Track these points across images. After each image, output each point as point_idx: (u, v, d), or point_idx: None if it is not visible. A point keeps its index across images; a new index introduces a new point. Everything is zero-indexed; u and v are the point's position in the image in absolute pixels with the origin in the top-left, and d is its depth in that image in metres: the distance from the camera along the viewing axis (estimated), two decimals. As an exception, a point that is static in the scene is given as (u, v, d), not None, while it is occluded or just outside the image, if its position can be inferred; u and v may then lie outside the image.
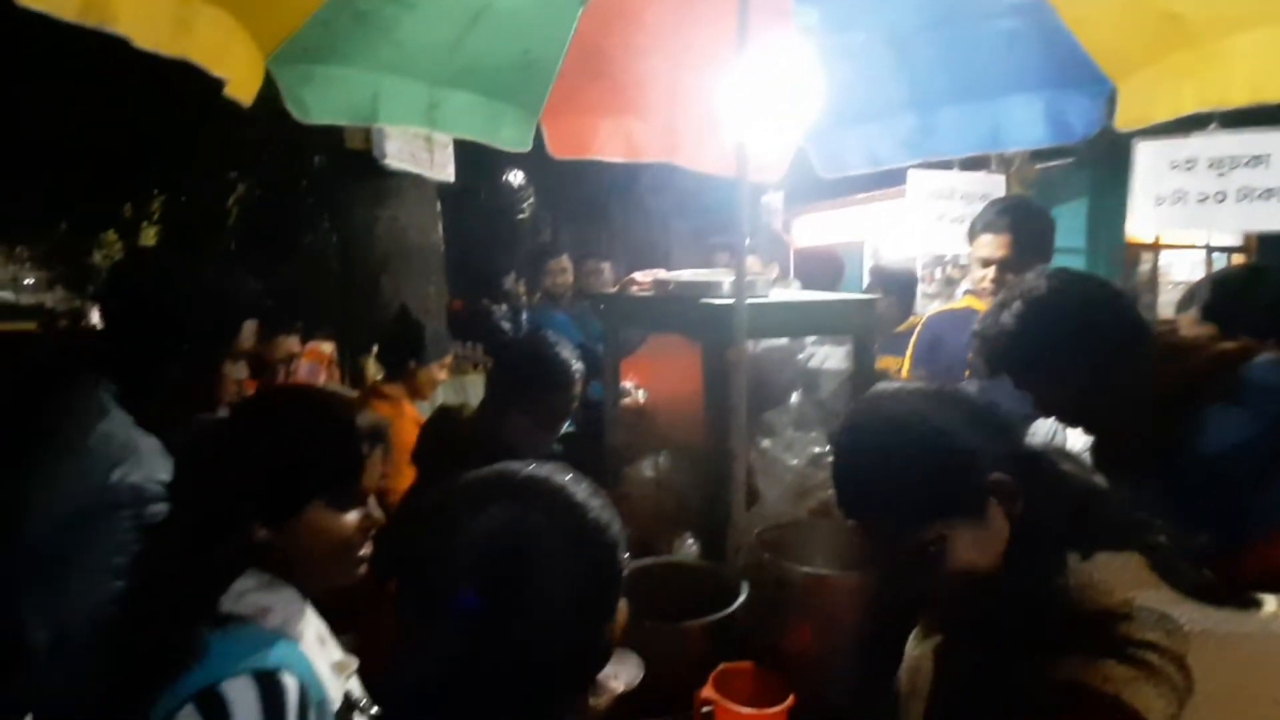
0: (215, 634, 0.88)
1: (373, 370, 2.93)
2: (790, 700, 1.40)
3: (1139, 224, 2.68)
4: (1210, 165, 2.53)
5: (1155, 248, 6.68)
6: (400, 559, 0.69)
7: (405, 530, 0.69)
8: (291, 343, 2.02)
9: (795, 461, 2.02)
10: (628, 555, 0.75)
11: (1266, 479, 1.15)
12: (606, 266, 4.15)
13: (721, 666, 1.49)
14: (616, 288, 2.36)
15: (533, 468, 0.76)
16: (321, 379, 2.68)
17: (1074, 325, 1.31)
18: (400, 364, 2.65)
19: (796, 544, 1.74)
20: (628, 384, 2.61)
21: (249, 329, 1.41)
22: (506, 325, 3.73)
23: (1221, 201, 2.51)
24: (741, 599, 1.62)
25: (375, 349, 3.03)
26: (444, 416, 2.07)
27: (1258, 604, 0.79)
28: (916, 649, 0.98)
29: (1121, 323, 1.34)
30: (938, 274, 8.16)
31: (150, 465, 1.23)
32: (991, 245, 2.24)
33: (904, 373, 2.59)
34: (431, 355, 2.68)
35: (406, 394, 2.63)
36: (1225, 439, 1.18)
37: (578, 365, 1.93)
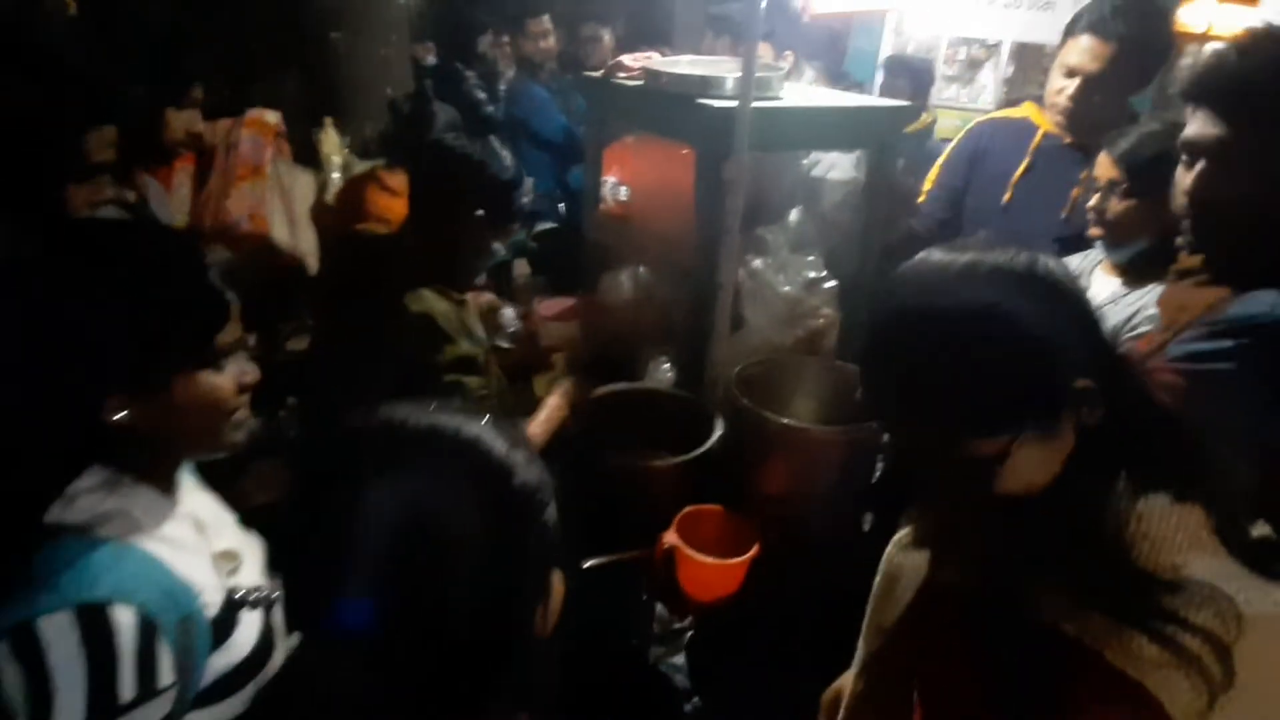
0: (42, 551, 0.73)
1: (328, 146, 2.62)
2: (755, 550, 1.37)
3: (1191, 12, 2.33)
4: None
5: (1204, 38, 6.05)
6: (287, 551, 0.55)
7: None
8: (186, 118, 1.64)
9: (787, 288, 1.86)
10: (557, 510, 0.59)
11: None
12: (606, 34, 3.56)
13: (687, 510, 1.45)
14: (603, 72, 2.01)
15: (438, 415, 0.59)
16: (268, 155, 2.35)
17: None
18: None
19: (778, 382, 1.64)
20: (610, 179, 2.36)
21: (104, 137, 1.11)
22: (481, 95, 3.32)
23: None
24: (715, 438, 1.55)
25: (329, 120, 2.69)
26: (359, 239, 1.79)
27: None
28: (900, 555, 0.88)
29: None
30: (961, 53, 7.41)
31: None
32: (1089, 53, 1.71)
33: (927, 184, 2.11)
34: None
35: None
36: None
37: (514, 189, 1.62)
